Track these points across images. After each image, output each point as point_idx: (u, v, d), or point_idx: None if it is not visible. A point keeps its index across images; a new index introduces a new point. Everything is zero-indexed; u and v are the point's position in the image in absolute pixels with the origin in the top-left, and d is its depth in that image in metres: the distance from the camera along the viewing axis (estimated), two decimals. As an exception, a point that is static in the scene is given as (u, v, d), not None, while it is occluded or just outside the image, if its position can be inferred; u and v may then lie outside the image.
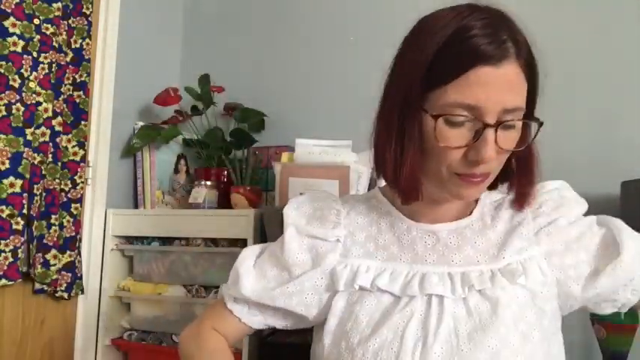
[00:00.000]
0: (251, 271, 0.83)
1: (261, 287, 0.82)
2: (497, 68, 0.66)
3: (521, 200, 0.79)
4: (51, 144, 1.56)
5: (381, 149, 0.75)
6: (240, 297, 0.83)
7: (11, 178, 1.44)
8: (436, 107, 0.68)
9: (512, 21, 0.71)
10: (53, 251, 1.56)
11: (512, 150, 0.71)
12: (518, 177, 0.78)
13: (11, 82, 1.46)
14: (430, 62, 0.68)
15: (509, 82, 0.67)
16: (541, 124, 0.72)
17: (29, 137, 1.49)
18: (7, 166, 1.44)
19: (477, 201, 0.82)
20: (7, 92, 1.45)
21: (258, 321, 0.85)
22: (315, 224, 0.82)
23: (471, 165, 0.69)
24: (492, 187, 0.79)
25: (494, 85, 0.66)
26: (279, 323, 0.85)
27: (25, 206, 1.46)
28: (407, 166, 0.72)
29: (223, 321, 0.86)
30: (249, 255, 0.86)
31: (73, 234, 1.62)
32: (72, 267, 1.60)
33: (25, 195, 1.46)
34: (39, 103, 1.52)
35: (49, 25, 1.54)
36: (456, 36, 0.68)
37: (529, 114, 0.72)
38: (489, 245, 0.77)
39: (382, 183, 0.82)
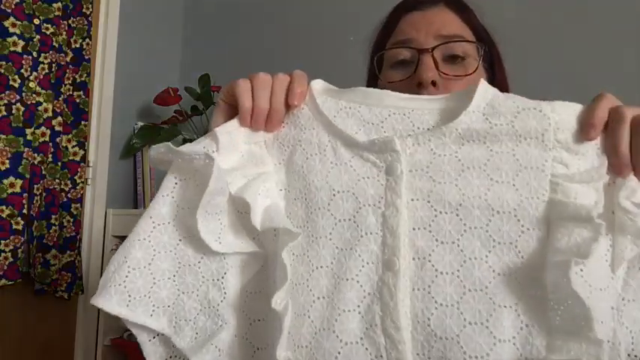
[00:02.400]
0: None
1: None
2: (424, 12, 0.70)
3: None
4: (51, 144, 1.56)
5: None
6: None
7: (11, 178, 1.44)
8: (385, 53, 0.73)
9: None
10: (53, 251, 1.56)
11: (459, 76, 0.67)
12: None
13: (11, 82, 1.46)
14: (380, 35, 0.78)
15: (441, 17, 0.70)
16: (480, 48, 0.70)
17: (29, 137, 1.49)
18: (7, 166, 1.44)
19: None
20: (7, 92, 1.45)
21: None
22: None
23: (418, 93, 0.67)
24: None
25: (424, 22, 0.69)
26: None
27: (25, 206, 1.46)
28: None
29: None
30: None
31: (73, 234, 1.62)
32: (72, 267, 1.60)
33: (25, 195, 1.46)
34: (39, 103, 1.52)
35: (49, 25, 1.54)
36: (394, 8, 0.76)
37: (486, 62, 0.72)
38: None
39: None
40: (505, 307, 0.45)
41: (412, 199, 0.50)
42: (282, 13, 2.04)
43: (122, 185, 1.86)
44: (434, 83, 0.66)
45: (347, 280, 0.49)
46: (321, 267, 0.50)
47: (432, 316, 0.46)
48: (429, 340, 0.46)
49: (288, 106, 0.56)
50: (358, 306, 0.48)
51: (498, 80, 0.74)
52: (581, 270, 0.43)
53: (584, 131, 0.49)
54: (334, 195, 0.52)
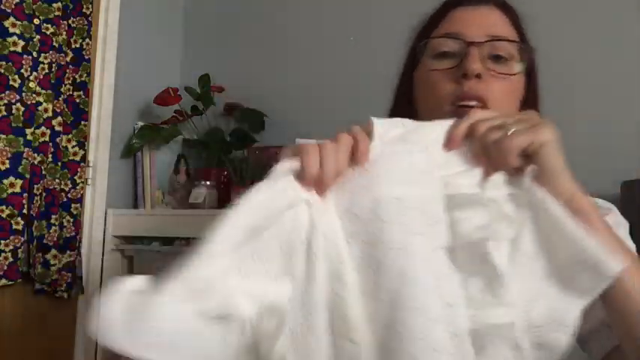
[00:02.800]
0: None
1: None
2: (474, 9, 0.71)
3: None
4: (51, 144, 1.56)
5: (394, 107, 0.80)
6: None
7: (11, 178, 1.44)
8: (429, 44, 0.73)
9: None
10: (53, 251, 1.56)
11: (505, 74, 0.69)
12: None
13: (11, 82, 1.46)
14: (425, 27, 0.76)
15: (489, 18, 0.70)
16: (527, 50, 0.72)
17: (29, 137, 1.49)
18: (7, 166, 1.44)
19: None
20: (7, 92, 1.45)
21: None
22: None
23: (461, 84, 0.68)
24: None
25: (473, 20, 0.70)
26: None
27: (25, 206, 1.46)
28: (396, 99, 0.79)
29: None
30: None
31: (73, 234, 1.62)
32: (72, 267, 1.60)
33: (25, 195, 1.46)
34: (39, 103, 1.52)
35: (49, 25, 1.54)
36: (443, 3, 0.76)
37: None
38: None
39: None
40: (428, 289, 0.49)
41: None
42: (282, 13, 2.04)
43: (122, 185, 1.86)
44: (479, 76, 0.67)
45: None
46: None
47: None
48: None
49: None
50: None
51: (533, 89, 0.75)
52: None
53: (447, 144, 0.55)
54: None
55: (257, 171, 1.78)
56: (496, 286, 0.50)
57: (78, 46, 1.66)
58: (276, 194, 0.51)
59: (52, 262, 1.56)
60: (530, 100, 0.74)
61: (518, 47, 0.71)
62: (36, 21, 1.51)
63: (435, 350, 0.47)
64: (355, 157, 0.54)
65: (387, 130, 0.58)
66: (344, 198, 0.53)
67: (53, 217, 1.57)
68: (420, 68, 0.74)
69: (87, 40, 1.67)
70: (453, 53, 0.69)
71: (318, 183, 0.52)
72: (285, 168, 0.53)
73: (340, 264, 0.50)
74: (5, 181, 1.43)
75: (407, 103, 0.76)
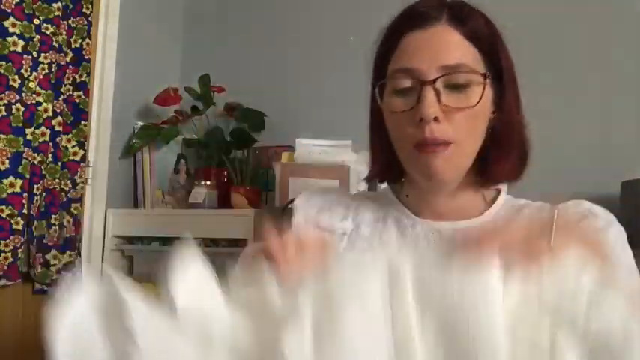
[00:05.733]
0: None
1: None
2: (426, 31, 0.69)
3: (485, 179, 0.75)
4: (51, 144, 1.56)
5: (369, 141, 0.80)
6: None
7: (11, 178, 1.44)
8: (387, 79, 0.72)
9: (466, 5, 0.72)
10: (53, 251, 1.56)
11: (464, 107, 0.67)
12: (491, 151, 0.73)
13: (11, 82, 1.46)
14: (382, 43, 0.75)
15: (443, 41, 0.68)
16: (485, 76, 0.69)
17: (29, 137, 1.49)
18: (7, 166, 1.44)
19: (493, 200, 0.79)
20: (7, 92, 1.45)
21: None
22: (324, 215, 0.82)
23: (421, 128, 0.67)
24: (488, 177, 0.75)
25: (426, 47, 0.68)
26: None
27: (25, 206, 1.46)
28: (376, 150, 0.77)
29: None
30: (248, 252, 0.87)
31: (73, 234, 1.62)
32: (72, 267, 1.60)
33: (25, 195, 1.46)
34: (39, 103, 1.52)
35: (49, 25, 1.54)
36: (393, 20, 0.74)
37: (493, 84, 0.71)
38: None
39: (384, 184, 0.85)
40: None
41: None
42: (282, 13, 2.04)
43: (122, 185, 1.86)
44: (436, 119, 0.66)
45: None
46: None
47: None
48: None
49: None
50: None
51: (507, 98, 0.72)
52: None
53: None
54: None
55: (257, 171, 1.78)
56: None
57: (78, 46, 1.66)
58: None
59: (52, 262, 1.56)
60: (507, 106, 0.72)
61: (475, 72, 0.68)
62: (36, 21, 1.51)
63: None
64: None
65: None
66: None
67: (53, 217, 1.57)
68: (383, 103, 0.73)
69: (87, 40, 1.67)
70: (410, 88, 0.69)
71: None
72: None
73: None
74: (5, 181, 1.43)
75: (384, 137, 0.75)
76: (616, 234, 0.74)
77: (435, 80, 0.66)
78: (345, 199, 0.85)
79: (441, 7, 0.70)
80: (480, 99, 0.68)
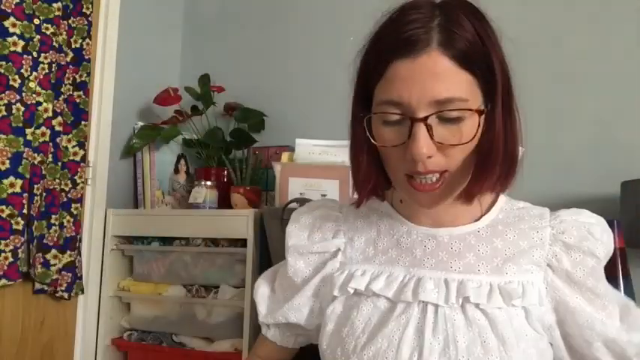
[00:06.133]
0: (265, 297, 0.88)
1: (273, 307, 0.86)
2: (414, 60, 0.64)
3: (466, 195, 0.72)
4: (51, 144, 1.56)
5: (349, 155, 0.76)
6: (264, 322, 0.87)
7: (11, 178, 1.44)
8: (374, 109, 0.68)
9: (455, 10, 0.66)
10: (53, 251, 1.56)
11: (457, 144, 0.65)
12: (474, 172, 0.70)
13: (11, 82, 1.46)
14: (365, 64, 0.70)
15: (433, 72, 0.63)
16: (482, 112, 0.66)
17: (29, 137, 1.49)
18: (7, 166, 1.44)
19: (491, 205, 0.77)
20: (7, 92, 1.45)
21: (293, 341, 0.88)
22: (315, 235, 0.83)
23: (414, 162, 0.65)
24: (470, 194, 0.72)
25: (415, 78, 0.63)
26: (311, 337, 0.87)
27: (25, 206, 1.46)
28: (359, 171, 0.74)
29: (265, 348, 0.90)
30: (262, 282, 0.90)
31: (73, 234, 1.62)
32: (72, 267, 1.60)
33: (25, 195, 1.46)
34: (39, 103, 1.52)
35: (49, 25, 1.54)
36: (378, 35, 0.69)
37: (487, 105, 0.67)
38: (494, 255, 0.73)
39: None
40: None
41: None
42: (282, 13, 2.04)
43: (122, 185, 1.86)
44: (429, 156, 0.65)
45: None
46: None
47: None
48: None
49: None
50: None
51: (497, 116, 0.67)
52: None
53: None
54: None
55: (257, 171, 1.78)
56: None
57: (78, 46, 1.66)
58: None
59: (52, 262, 1.56)
60: (496, 123, 0.67)
61: (469, 110, 0.65)
62: (36, 21, 1.51)
63: None
64: None
65: None
66: None
67: (53, 217, 1.57)
68: (373, 132, 0.69)
69: (87, 40, 1.67)
70: (400, 119, 0.66)
71: None
72: None
73: None
74: (5, 181, 1.43)
75: (351, 147, 0.74)
76: (605, 260, 0.74)
77: (426, 118, 0.64)
78: (334, 212, 0.84)
79: (429, 25, 0.65)
80: (475, 135, 0.66)
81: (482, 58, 0.66)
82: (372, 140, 0.69)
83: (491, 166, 0.68)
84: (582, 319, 0.71)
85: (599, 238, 0.73)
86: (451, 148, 0.66)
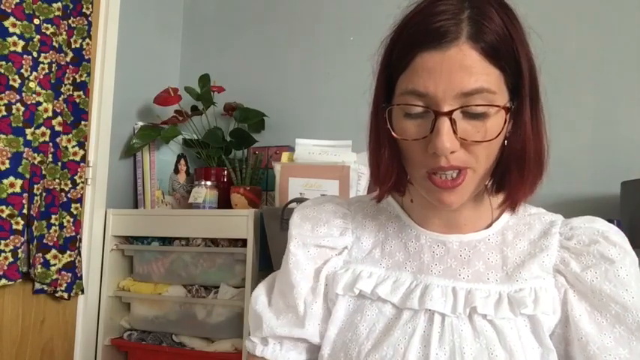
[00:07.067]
0: (267, 308, 0.79)
1: (281, 317, 0.78)
2: (443, 52, 0.62)
3: (510, 203, 0.71)
4: (51, 144, 1.56)
5: (368, 147, 0.74)
6: (269, 336, 0.78)
7: (11, 178, 1.44)
8: (396, 100, 0.66)
9: (485, 3, 0.64)
10: (53, 251, 1.56)
11: (481, 141, 0.63)
12: (508, 175, 0.68)
13: (11, 82, 1.46)
14: (389, 54, 0.68)
15: (461, 65, 0.61)
16: (508, 109, 0.64)
17: (29, 137, 1.49)
18: (7, 166, 1.44)
19: (502, 210, 0.75)
20: (7, 92, 1.45)
21: (295, 356, 0.78)
22: (320, 229, 0.78)
23: (435, 157, 0.63)
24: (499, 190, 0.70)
25: (443, 70, 0.61)
26: (313, 350, 0.78)
27: (25, 206, 1.46)
28: (380, 165, 0.71)
29: None
30: (260, 293, 0.82)
31: (73, 234, 1.62)
32: (72, 267, 1.60)
33: (25, 195, 1.46)
34: (39, 103, 1.52)
35: (49, 25, 1.54)
36: (405, 24, 0.67)
37: (513, 103, 0.65)
38: (504, 263, 0.71)
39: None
40: None
41: None
42: (282, 13, 2.04)
43: (122, 185, 1.86)
44: (452, 152, 0.63)
45: None
46: None
47: None
48: None
49: None
50: None
51: (524, 114, 0.66)
52: None
53: None
54: None
55: (257, 171, 1.78)
56: None
57: (78, 46, 1.66)
58: None
59: (52, 262, 1.56)
60: (523, 123, 0.66)
61: (495, 105, 0.63)
62: (36, 21, 1.51)
63: None
64: None
65: None
66: None
67: (53, 217, 1.57)
68: (393, 124, 0.67)
69: (87, 40, 1.68)
70: (423, 112, 0.64)
71: None
72: None
73: None
74: (5, 181, 1.43)
75: (372, 139, 0.72)
76: (629, 265, 0.69)
77: (451, 112, 0.62)
78: (342, 209, 0.81)
79: (459, 17, 0.63)
80: (500, 132, 0.64)
81: (511, 54, 0.65)
82: (392, 133, 0.67)
83: (527, 170, 0.67)
84: (582, 333, 0.68)
85: (613, 241, 0.70)
86: (474, 145, 0.64)
